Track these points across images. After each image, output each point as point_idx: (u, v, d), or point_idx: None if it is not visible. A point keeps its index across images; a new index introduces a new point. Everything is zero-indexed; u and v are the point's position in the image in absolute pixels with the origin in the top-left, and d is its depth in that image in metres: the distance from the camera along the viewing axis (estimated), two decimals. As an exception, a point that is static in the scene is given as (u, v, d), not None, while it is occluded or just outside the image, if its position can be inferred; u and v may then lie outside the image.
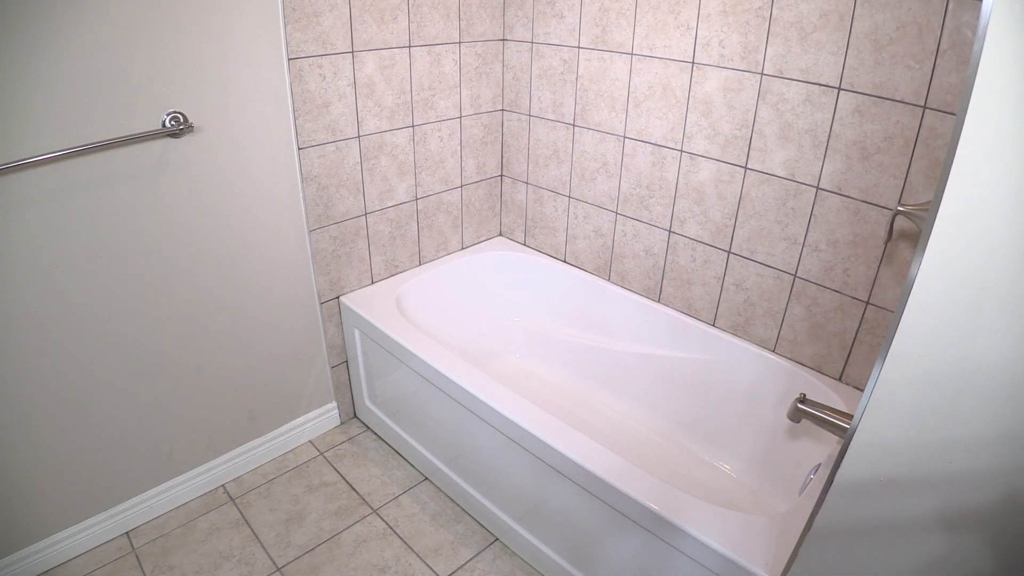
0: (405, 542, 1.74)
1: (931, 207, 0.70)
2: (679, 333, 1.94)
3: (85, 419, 1.59)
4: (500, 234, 2.48)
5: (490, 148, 2.28)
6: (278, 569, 1.65)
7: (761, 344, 1.79)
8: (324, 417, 2.14)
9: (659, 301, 2.01)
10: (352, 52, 1.75)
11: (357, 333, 2.00)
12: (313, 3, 1.63)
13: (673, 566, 1.28)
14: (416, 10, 1.85)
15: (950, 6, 1.22)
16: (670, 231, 1.90)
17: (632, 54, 1.81)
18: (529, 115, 2.18)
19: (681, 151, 1.79)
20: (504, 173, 2.36)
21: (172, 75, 1.46)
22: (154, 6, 1.38)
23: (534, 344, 2.31)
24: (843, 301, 1.58)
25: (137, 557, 1.68)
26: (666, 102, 1.78)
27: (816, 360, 1.69)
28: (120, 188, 1.47)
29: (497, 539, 1.75)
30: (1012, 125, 0.65)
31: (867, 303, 1.54)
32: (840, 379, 1.65)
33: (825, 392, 1.60)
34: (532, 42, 2.06)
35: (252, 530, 1.77)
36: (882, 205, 1.44)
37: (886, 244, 1.43)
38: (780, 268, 1.68)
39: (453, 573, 1.65)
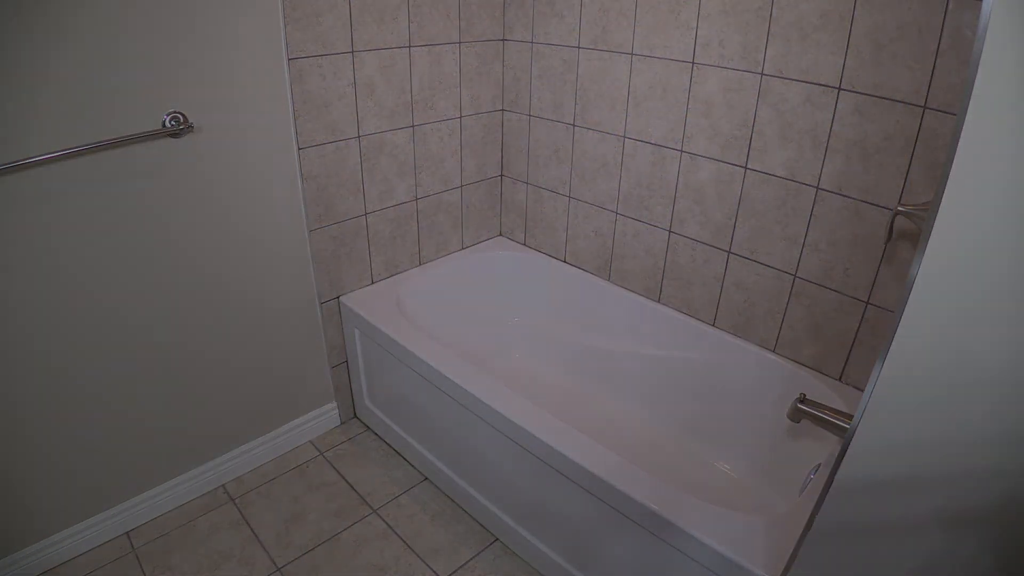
0: (405, 542, 1.74)
1: (931, 207, 0.70)
2: (679, 333, 1.94)
3: (85, 419, 1.59)
4: (500, 234, 2.48)
5: (490, 148, 2.28)
6: (278, 569, 1.65)
7: (761, 344, 1.79)
8: (324, 417, 2.14)
9: (659, 301, 2.01)
10: (352, 52, 1.75)
11: (357, 333, 2.00)
12: (313, 3, 1.63)
13: (673, 566, 1.28)
14: (416, 10, 1.85)
15: (950, 6, 1.22)
16: (670, 231, 1.90)
17: (632, 54, 1.81)
18: (529, 115, 2.18)
19: (681, 151, 1.79)
20: (504, 173, 2.36)
21: (172, 75, 1.46)
22: (154, 6, 1.38)
23: (534, 344, 2.31)
24: (843, 301, 1.58)
25: (137, 557, 1.68)
26: (666, 102, 1.78)
27: (816, 360, 1.69)
28: (120, 188, 1.47)
29: (497, 539, 1.75)
30: (1012, 125, 0.65)
31: (867, 303, 1.54)
32: (840, 379, 1.65)
33: (825, 392, 1.60)
34: (532, 42, 2.06)
35: (252, 530, 1.77)
36: (882, 205, 1.44)
37: (886, 244, 1.43)
38: (780, 268, 1.68)
39: (453, 573, 1.65)
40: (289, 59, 1.63)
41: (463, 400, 1.63)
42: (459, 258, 2.29)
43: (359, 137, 1.87)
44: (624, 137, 1.92)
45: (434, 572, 1.65)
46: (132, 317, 1.59)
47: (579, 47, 1.93)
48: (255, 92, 1.61)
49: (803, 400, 1.44)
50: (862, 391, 1.29)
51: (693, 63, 1.68)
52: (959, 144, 0.66)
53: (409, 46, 1.88)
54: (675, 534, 1.24)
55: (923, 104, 1.31)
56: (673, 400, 1.96)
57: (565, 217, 2.21)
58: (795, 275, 1.66)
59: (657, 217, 1.92)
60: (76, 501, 1.65)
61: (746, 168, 1.66)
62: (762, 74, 1.55)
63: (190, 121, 1.51)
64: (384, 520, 1.81)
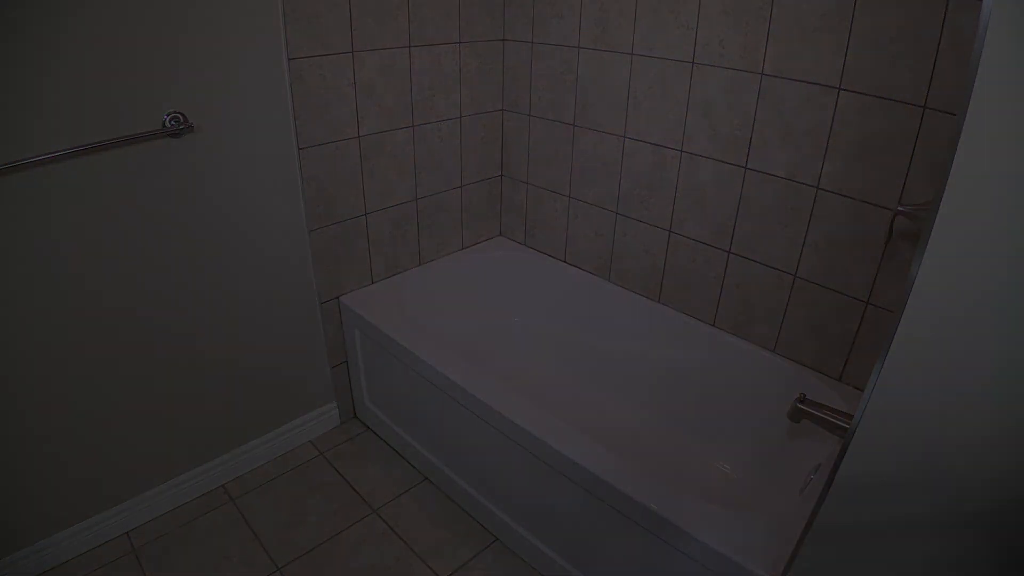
0: (405, 542, 1.74)
1: (931, 207, 0.70)
2: (679, 333, 1.94)
3: (85, 419, 1.59)
4: (500, 234, 2.48)
5: (490, 148, 2.28)
6: (278, 569, 1.65)
7: (761, 344, 1.79)
8: (324, 417, 2.14)
9: (659, 301, 2.01)
10: (352, 52, 1.75)
11: (357, 333, 2.00)
12: (313, 3, 1.63)
13: (673, 566, 1.28)
14: (416, 10, 1.85)
15: (950, 6, 1.22)
16: (670, 231, 1.90)
17: (632, 54, 1.81)
18: (529, 115, 2.18)
19: (681, 151, 1.79)
20: (504, 173, 2.36)
21: (172, 75, 1.46)
22: (154, 6, 1.38)
23: (534, 344, 2.31)
24: (843, 301, 1.58)
25: (137, 557, 1.68)
26: (666, 102, 1.78)
27: (816, 360, 1.69)
28: (120, 188, 1.47)
29: (497, 539, 1.75)
30: (1012, 125, 0.65)
31: (867, 303, 1.54)
32: (840, 379, 1.65)
33: (825, 392, 1.60)
34: (532, 42, 2.06)
35: (252, 530, 1.77)
36: (882, 205, 1.44)
37: (886, 244, 1.43)
38: (780, 268, 1.68)
39: (453, 573, 1.65)
40: (289, 59, 1.63)
41: (463, 400, 1.63)
42: (459, 258, 2.29)
43: (359, 137, 1.87)
44: (624, 137, 1.92)
45: (434, 572, 1.65)
46: (131, 317, 1.59)
47: (579, 47, 1.93)
48: (255, 92, 1.61)
49: (803, 400, 1.44)
50: (862, 391, 1.30)
51: (693, 63, 1.68)
52: (959, 144, 0.66)
53: (409, 46, 1.88)
54: (675, 534, 1.24)
55: (923, 104, 1.31)
56: (673, 400, 1.96)
57: (565, 217, 2.21)
58: (795, 275, 1.66)
59: (657, 217, 1.92)
60: (76, 501, 1.65)
61: (746, 168, 1.66)
62: (762, 74, 1.55)
63: (190, 121, 1.51)
64: (384, 520, 1.81)
